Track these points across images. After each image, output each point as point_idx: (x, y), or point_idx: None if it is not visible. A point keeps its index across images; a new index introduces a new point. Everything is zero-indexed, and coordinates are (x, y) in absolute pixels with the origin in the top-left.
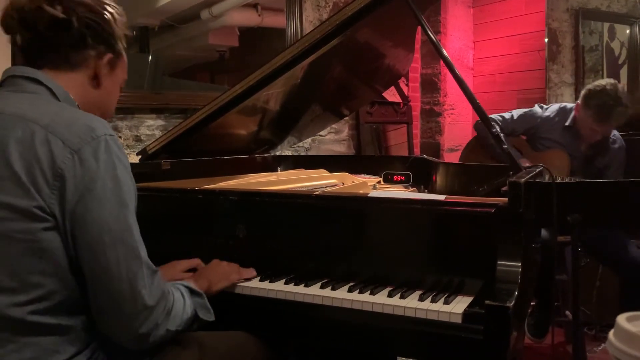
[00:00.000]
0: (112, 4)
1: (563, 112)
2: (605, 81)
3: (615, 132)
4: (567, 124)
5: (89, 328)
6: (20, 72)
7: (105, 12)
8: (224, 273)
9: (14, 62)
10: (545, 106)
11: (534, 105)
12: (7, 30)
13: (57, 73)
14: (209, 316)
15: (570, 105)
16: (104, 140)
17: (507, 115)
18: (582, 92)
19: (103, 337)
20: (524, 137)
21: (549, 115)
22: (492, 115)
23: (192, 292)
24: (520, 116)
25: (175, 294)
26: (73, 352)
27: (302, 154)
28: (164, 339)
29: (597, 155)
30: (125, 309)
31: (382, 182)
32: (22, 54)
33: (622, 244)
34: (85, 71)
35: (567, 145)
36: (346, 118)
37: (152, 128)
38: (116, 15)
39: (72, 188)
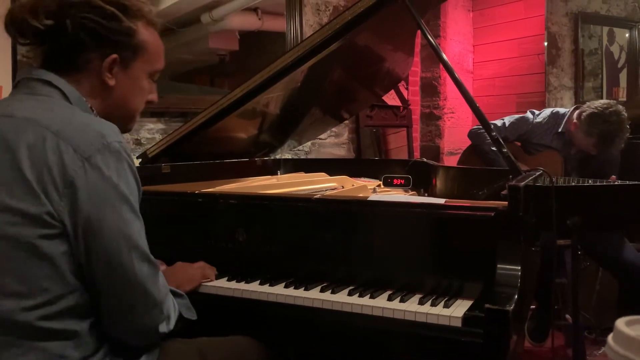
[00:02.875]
0: None
1: (555, 118)
2: (606, 107)
3: None
4: (559, 130)
5: (95, 334)
6: (34, 75)
7: (108, 7)
8: (190, 276)
9: (15, 61)
10: (537, 112)
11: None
12: (12, 38)
13: (66, 75)
14: (192, 315)
15: (562, 110)
16: (114, 147)
17: (499, 122)
18: (583, 116)
19: (110, 346)
20: (518, 144)
21: (540, 121)
22: None
23: (173, 293)
24: (512, 123)
25: None
26: (80, 356)
27: (302, 157)
28: (162, 336)
29: (591, 158)
30: (140, 309)
31: (382, 186)
32: (37, 57)
33: (621, 247)
34: (92, 73)
35: (559, 149)
36: (346, 121)
37: (153, 132)
38: (129, 6)
39: (84, 196)
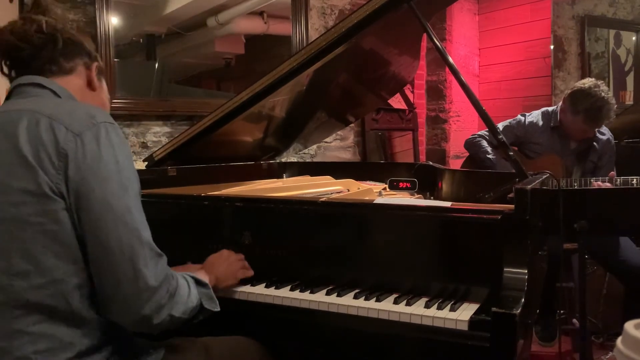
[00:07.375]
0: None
1: (546, 115)
2: (587, 83)
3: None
4: (552, 124)
5: (103, 326)
6: (25, 80)
7: (70, 29)
8: (231, 271)
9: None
10: (527, 114)
11: None
12: (5, 49)
13: (56, 78)
14: (213, 306)
15: (551, 108)
16: (104, 127)
17: None
18: (567, 95)
19: (118, 342)
20: (515, 148)
21: (532, 120)
22: (480, 132)
23: (197, 282)
24: (505, 127)
25: (180, 280)
26: (87, 345)
27: (307, 160)
28: (171, 325)
29: (588, 150)
30: (128, 288)
31: (388, 189)
32: (22, 66)
33: (627, 251)
34: (79, 76)
35: (556, 145)
36: (352, 125)
37: (159, 135)
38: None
39: (74, 167)
